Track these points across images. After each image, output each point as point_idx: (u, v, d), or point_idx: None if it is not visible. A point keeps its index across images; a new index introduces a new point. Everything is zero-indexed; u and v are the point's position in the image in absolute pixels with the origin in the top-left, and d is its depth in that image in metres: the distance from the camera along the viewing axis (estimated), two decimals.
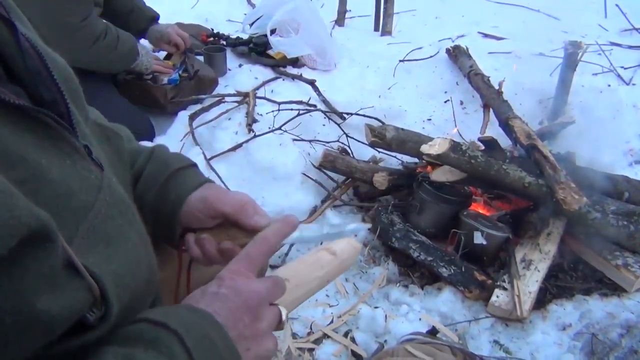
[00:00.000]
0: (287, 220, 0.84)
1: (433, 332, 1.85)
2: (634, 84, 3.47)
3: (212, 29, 3.51)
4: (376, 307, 2.08)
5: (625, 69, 3.57)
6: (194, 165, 1.03)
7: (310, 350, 1.91)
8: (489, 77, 2.94)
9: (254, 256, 0.77)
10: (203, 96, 2.77)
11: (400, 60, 3.29)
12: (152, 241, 0.82)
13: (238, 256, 0.77)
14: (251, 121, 2.61)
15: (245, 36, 3.41)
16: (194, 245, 0.93)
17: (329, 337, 1.96)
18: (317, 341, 1.94)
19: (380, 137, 2.38)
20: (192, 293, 0.73)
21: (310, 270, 0.87)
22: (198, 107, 2.73)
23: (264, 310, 0.72)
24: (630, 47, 3.94)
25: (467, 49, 3.26)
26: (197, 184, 0.97)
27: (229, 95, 2.77)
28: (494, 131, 2.72)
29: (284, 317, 0.75)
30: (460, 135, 2.95)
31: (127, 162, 0.95)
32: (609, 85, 3.24)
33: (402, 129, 2.43)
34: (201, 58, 3.15)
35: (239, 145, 2.51)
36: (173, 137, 2.65)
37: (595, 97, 3.12)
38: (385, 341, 1.95)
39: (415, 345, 1.58)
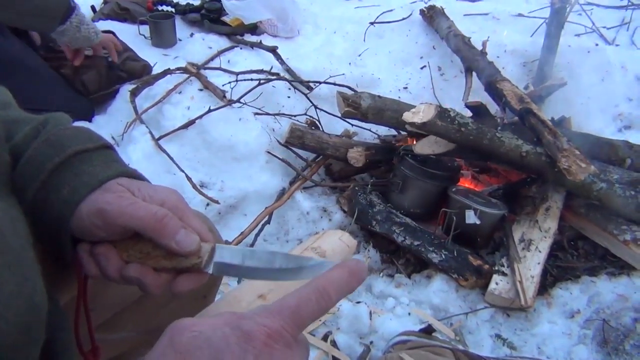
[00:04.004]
0: (354, 268, 0.53)
1: (428, 330, 1.57)
2: (617, 45, 3.26)
3: None
4: (358, 302, 1.82)
5: (607, 29, 3.35)
6: (107, 146, 0.69)
7: None
8: (469, 37, 2.65)
9: (305, 316, 0.49)
10: (133, 82, 2.37)
11: (370, 23, 2.99)
12: None
13: (281, 307, 0.49)
14: (222, 93, 2.29)
15: (196, 2, 3.08)
16: (88, 258, 0.63)
17: None
18: None
19: (354, 107, 2.07)
20: (196, 346, 0.46)
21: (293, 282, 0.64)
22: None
23: None
24: (608, 7, 3.73)
25: (442, 9, 2.97)
26: (102, 178, 0.63)
27: (163, 74, 2.38)
28: (477, 97, 2.46)
29: None
30: (440, 104, 2.67)
31: (1, 137, 0.62)
32: (597, 45, 3.00)
33: (379, 96, 2.13)
34: (147, 27, 2.80)
35: (192, 122, 2.17)
36: (115, 116, 2.30)
37: (583, 57, 2.88)
38: (372, 343, 1.67)
39: (412, 352, 1.30)
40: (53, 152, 0.63)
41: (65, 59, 2.19)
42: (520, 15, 3.31)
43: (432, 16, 2.96)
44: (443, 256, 1.87)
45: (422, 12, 3.08)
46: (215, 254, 0.63)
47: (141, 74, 2.43)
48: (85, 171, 0.63)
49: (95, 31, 1.99)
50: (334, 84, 2.47)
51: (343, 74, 2.62)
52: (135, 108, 2.21)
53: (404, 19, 3.10)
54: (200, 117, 2.18)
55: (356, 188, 2.15)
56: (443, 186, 2.05)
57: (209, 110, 2.20)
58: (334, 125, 2.45)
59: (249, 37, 2.84)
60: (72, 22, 1.86)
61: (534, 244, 1.91)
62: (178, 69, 2.42)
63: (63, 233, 0.62)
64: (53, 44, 2.24)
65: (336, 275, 0.52)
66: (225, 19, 2.89)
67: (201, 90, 2.35)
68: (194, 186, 1.99)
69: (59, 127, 0.67)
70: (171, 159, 2.07)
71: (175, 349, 0.45)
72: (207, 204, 2.00)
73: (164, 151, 2.09)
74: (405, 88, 2.78)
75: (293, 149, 2.28)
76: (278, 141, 2.28)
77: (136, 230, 0.61)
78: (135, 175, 0.68)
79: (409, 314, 1.77)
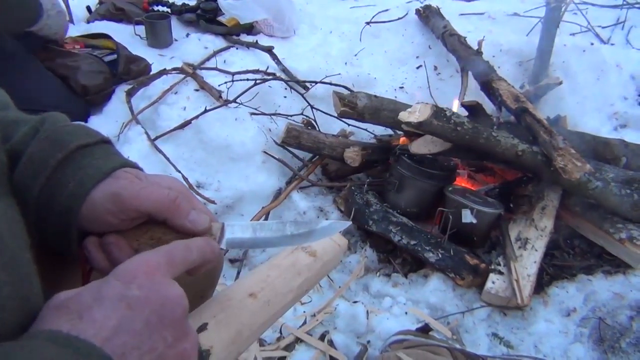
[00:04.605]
0: (210, 241, 0.63)
1: (425, 329, 1.58)
2: (612, 44, 3.27)
3: None
4: (355, 302, 1.81)
5: (603, 28, 3.37)
6: (106, 141, 0.69)
7: (282, 358, 1.61)
8: (465, 37, 2.66)
9: (177, 259, 0.56)
10: (129, 82, 2.38)
11: (366, 23, 2.99)
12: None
13: (155, 249, 0.55)
14: (218, 93, 2.28)
15: (192, 2, 3.08)
16: (96, 251, 0.63)
17: (302, 341, 1.66)
18: (289, 347, 1.65)
19: (351, 107, 2.07)
20: (76, 292, 0.48)
21: (284, 279, 0.68)
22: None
23: (189, 327, 0.52)
24: (603, 6, 3.74)
25: (438, 8, 2.97)
26: (107, 170, 0.64)
27: (159, 75, 2.37)
28: (473, 97, 2.47)
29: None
30: (436, 103, 2.68)
31: None
32: (592, 44, 3.01)
33: (375, 96, 2.13)
34: (142, 27, 2.80)
35: (188, 122, 2.17)
36: (111, 117, 2.29)
37: (578, 57, 2.89)
38: (369, 342, 1.67)
39: (409, 352, 1.30)
40: (55, 148, 0.63)
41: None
42: (515, 14, 3.33)
43: (427, 16, 2.97)
44: (440, 255, 1.87)
45: (417, 11, 3.08)
46: (226, 231, 0.67)
47: (143, 74, 2.43)
48: (89, 164, 0.64)
49: (54, 30, 2.16)
50: (330, 83, 2.47)
51: (339, 74, 2.62)
52: (131, 108, 2.21)
53: (399, 18, 3.10)
54: (197, 117, 2.18)
55: (353, 188, 2.14)
56: (439, 185, 2.05)
57: (205, 111, 2.19)
58: (330, 125, 2.45)
59: (245, 37, 2.84)
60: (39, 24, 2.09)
61: (530, 243, 1.91)
62: (174, 69, 2.41)
63: (70, 227, 0.62)
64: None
65: (199, 240, 0.61)
66: (221, 19, 2.89)
67: (197, 90, 2.34)
68: (191, 186, 1.99)
69: (57, 124, 0.67)
70: (167, 159, 2.07)
71: (52, 305, 0.47)
72: (204, 204, 2.00)
73: (160, 151, 2.09)
74: (402, 88, 2.78)
75: (289, 149, 2.28)
76: (274, 141, 2.28)
77: (150, 212, 0.63)
78: (136, 167, 0.69)
79: (406, 313, 1.77)
